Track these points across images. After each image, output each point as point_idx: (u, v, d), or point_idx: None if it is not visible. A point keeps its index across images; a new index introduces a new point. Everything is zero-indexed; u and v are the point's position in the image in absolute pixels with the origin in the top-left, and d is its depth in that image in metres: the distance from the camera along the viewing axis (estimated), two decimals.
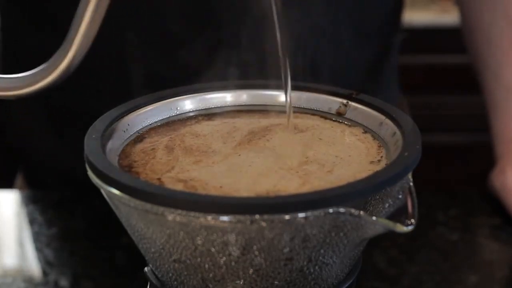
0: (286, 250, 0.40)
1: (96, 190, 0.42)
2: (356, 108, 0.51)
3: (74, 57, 0.44)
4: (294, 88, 0.54)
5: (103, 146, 0.45)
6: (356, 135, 0.49)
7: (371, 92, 0.52)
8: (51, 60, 0.45)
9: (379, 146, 0.48)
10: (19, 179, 0.93)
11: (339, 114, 0.52)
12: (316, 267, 0.42)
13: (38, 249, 0.68)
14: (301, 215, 0.38)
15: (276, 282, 0.41)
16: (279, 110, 0.53)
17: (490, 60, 0.77)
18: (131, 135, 0.49)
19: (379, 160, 0.46)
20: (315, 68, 0.77)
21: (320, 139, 0.49)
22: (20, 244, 0.70)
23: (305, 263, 0.41)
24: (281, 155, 0.47)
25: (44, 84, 0.45)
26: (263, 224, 0.38)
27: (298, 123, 0.52)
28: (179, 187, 0.42)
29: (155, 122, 0.51)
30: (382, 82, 0.85)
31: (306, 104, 0.53)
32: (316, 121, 0.52)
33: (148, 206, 0.39)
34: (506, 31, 0.76)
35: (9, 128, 0.91)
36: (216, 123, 0.52)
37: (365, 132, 0.50)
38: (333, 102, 0.52)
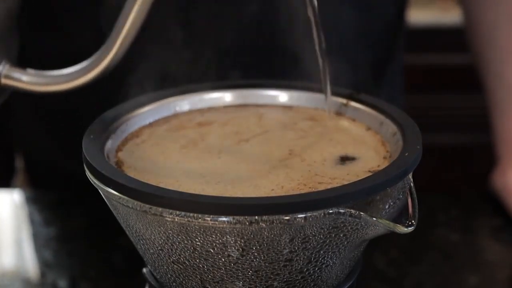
0: (286, 251, 0.39)
1: (95, 190, 0.42)
2: (356, 108, 0.51)
3: (116, 54, 0.46)
4: (294, 87, 0.53)
5: (101, 146, 0.45)
6: (362, 131, 0.49)
7: (375, 93, 0.51)
8: (94, 58, 0.47)
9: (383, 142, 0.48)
10: (18, 179, 0.92)
11: (339, 114, 0.51)
12: (316, 268, 0.41)
13: (36, 250, 0.68)
14: (300, 215, 0.38)
15: (275, 284, 0.41)
16: (278, 108, 0.53)
17: (492, 59, 0.77)
18: (129, 134, 0.49)
19: (390, 156, 0.46)
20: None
21: (324, 135, 0.49)
22: (18, 245, 0.69)
23: (304, 264, 0.41)
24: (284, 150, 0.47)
25: (86, 80, 0.47)
26: (263, 225, 0.38)
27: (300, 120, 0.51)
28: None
29: (154, 121, 0.51)
30: (386, 83, 0.85)
31: (306, 103, 0.53)
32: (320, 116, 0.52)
33: (146, 207, 0.39)
34: (509, 30, 0.75)
35: (9, 128, 0.91)
36: (217, 121, 0.52)
37: (368, 129, 0.49)
38: (333, 102, 0.52)
